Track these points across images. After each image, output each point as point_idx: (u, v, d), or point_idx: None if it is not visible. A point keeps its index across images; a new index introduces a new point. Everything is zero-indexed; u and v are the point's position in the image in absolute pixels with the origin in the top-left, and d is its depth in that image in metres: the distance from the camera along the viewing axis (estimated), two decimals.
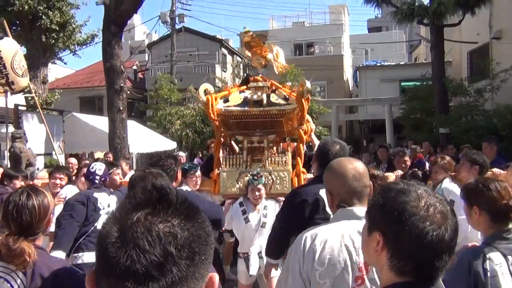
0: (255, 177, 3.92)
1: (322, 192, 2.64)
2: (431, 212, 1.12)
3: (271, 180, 4.11)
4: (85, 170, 4.39)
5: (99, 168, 4.08)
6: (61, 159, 11.00)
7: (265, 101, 4.07)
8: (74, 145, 13.25)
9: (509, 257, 2.00)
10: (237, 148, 4.67)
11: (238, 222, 4.03)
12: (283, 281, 1.79)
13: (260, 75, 4.31)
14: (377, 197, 1.25)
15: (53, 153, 8.48)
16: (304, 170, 4.21)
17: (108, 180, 4.24)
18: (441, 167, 4.39)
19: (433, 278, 1.14)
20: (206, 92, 4.17)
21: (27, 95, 8.13)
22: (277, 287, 1.90)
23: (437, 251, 1.10)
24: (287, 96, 4.20)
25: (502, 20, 14.32)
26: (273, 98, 4.15)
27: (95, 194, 3.85)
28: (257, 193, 3.94)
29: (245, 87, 4.31)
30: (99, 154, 12.57)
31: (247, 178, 4.03)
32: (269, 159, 4.24)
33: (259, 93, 4.09)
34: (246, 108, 4.11)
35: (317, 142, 4.36)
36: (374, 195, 1.28)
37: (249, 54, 4.35)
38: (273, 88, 4.29)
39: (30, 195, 1.89)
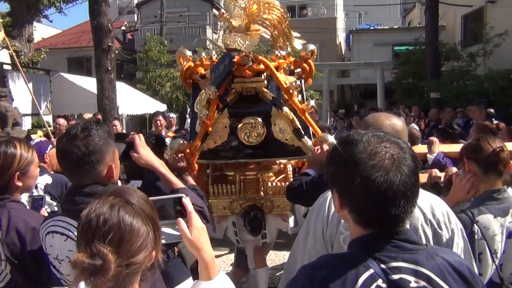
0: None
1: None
2: (378, 159, 1.05)
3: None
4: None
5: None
6: (49, 120, 10.86)
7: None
8: (62, 106, 13.07)
9: (499, 218, 1.95)
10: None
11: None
12: (301, 241, 1.63)
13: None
14: (329, 153, 1.20)
15: (40, 113, 8.35)
16: None
17: None
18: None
19: (397, 226, 1.08)
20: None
21: (11, 51, 7.91)
22: (294, 248, 1.71)
23: (390, 198, 1.04)
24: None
25: None
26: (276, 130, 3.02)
27: None
28: None
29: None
30: (88, 116, 12.46)
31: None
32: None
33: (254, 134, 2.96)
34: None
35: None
36: (328, 151, 1.21)
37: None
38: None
39: None
